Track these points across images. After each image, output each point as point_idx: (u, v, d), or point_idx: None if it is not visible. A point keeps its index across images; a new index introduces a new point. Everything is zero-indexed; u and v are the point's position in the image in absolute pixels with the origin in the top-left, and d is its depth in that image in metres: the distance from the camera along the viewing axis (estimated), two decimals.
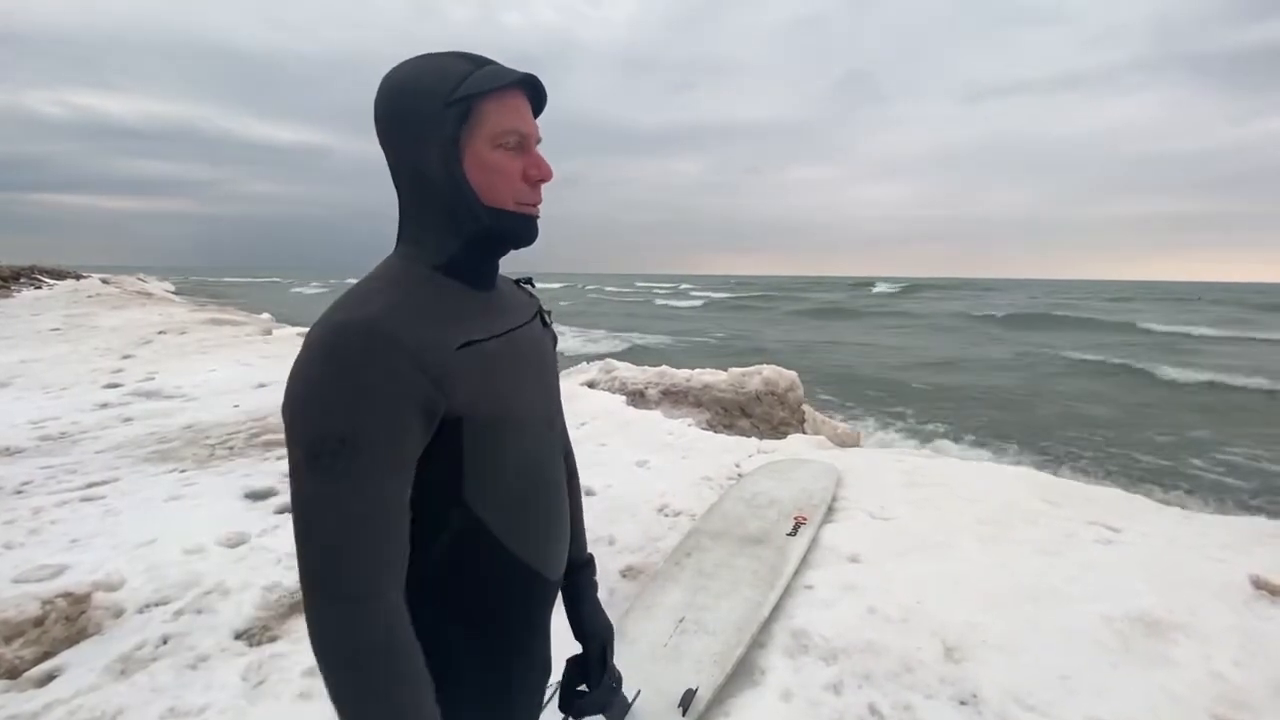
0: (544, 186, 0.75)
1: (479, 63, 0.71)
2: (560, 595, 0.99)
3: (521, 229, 0.75)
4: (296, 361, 0.62)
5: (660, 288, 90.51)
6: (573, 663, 0.97)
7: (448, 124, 0.68)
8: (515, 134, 0.71)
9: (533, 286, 0.93)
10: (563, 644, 0.96)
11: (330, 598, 0.59)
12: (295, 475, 0.60)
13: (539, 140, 0.75)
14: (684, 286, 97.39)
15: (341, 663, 0.58)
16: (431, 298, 0.70)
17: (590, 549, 1.06)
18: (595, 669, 0.96)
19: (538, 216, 0.76)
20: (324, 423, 0.59)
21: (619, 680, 1.00)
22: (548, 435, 0.83)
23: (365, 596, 0.59)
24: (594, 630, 0.98)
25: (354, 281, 0.73)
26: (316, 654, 0.59)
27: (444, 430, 0.67)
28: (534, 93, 0.74)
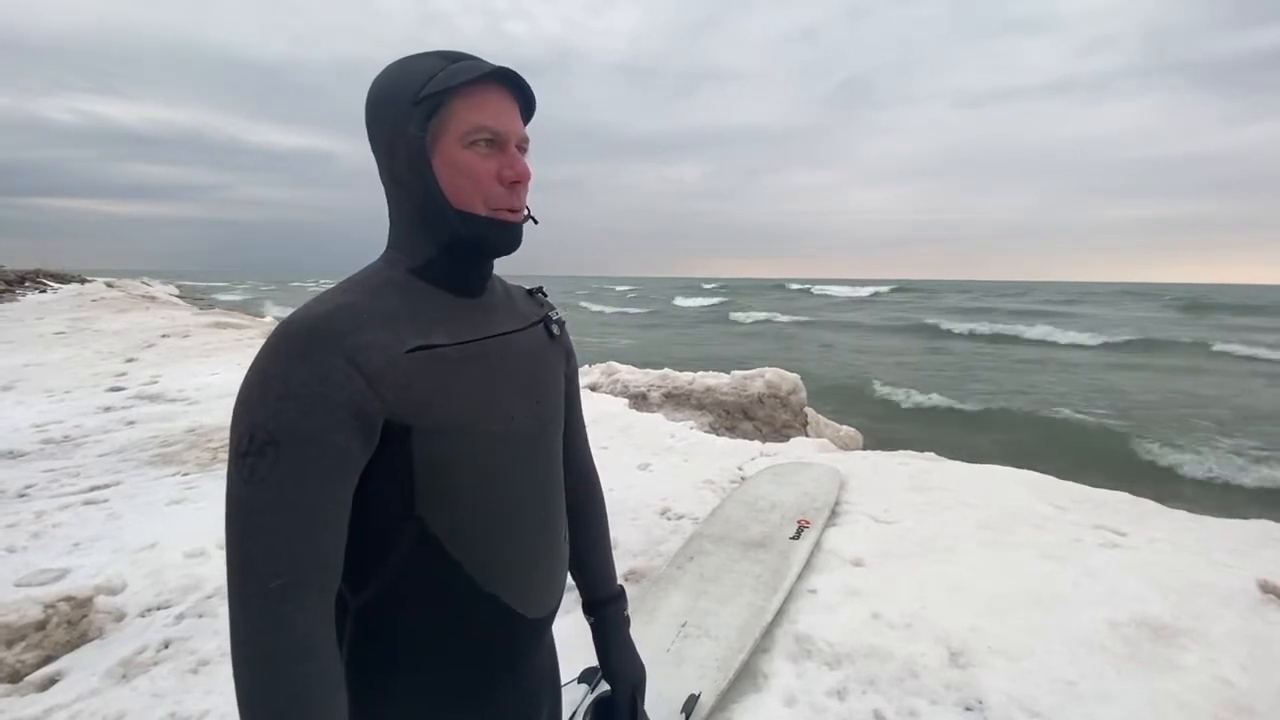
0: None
1: (454, 59, 0.67)
2: (590, 632, 0.94)
3: (495, 236, 0.70)
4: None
5: (607, 290, 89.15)
6: (598, 706, 0.92)
7: (414, 124, 0.66)
8: (487, 131, 0.66)
9: (544, 295, 0.88)
10: (565, 654, 0.95)
11: (243, 601, 0.57)
12: (227, 473, 0.59)
13: (525, 141, 0.70)
14: (622, 288, 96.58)
15: (243, 668, 0.55)
16: (398, 301, 0.67)
17: None
18: (622, 716, 0.90)
19: (517, 222, 0.71)
20: (252, 421, 0.57)
21: None
22: (532, 454, 0.76)
23: (277, 607, 0.56)
24: (623, 673, 0.92)
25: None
26: (231, 652, 0.57)
27: (391, 439, 0.63)
28: (520, 93, 0.70)
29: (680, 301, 59.97)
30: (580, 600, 0.97)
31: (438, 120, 0.66)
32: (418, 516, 0.66)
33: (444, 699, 0.71)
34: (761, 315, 38.37)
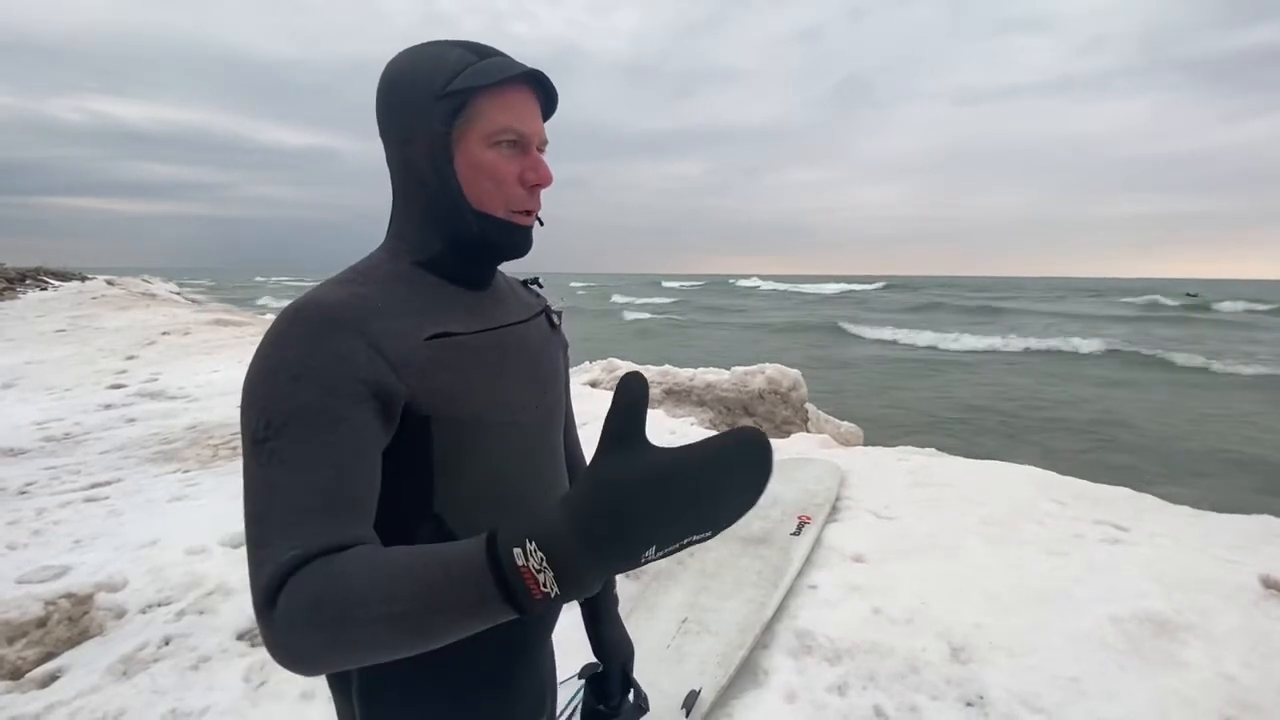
0: (548, 190, 0.70)
1: (482, 54, 0.65)
2: (580, 611, 0.96)
3: (509, 241, 0.69)
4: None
5: (561, 286, 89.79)
6: (593, 682, 0.94)
7: (438, 118, 0.63)
8: (513, 133, 0.65)
9: (540, 287, 0.88)
10: (566, 651, 0.95)
11: (273, 563, 0.48)
12: (244, 460, 0.54)
13: (544, 143, 0.69)
14: (575, 284, 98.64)
15: (292, 627, 0.46)
16: (408, 291, 0.65)
17: None
18: (615, 691, 0.93)
19: (529, 226, 0.70)
20: (266, 405, 0.54)
21: (644, 700, 0.96)
22: (540, 445, 0.75)
23: (307, 557, 0.48)
24: (613, 650, 0.94)
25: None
26: (273, 641, 0.47)
27: (410, 430, 0.61)
28: (543, 93, 0.69)
29: (614, 298, 59.25)
30: None
31: (463, 117, 0.64)
32: (435, 514, 0.65)
33: (463, 690, 0.71)
34: (642, 315, 38.62)
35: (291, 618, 0.46)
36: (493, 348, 0.69)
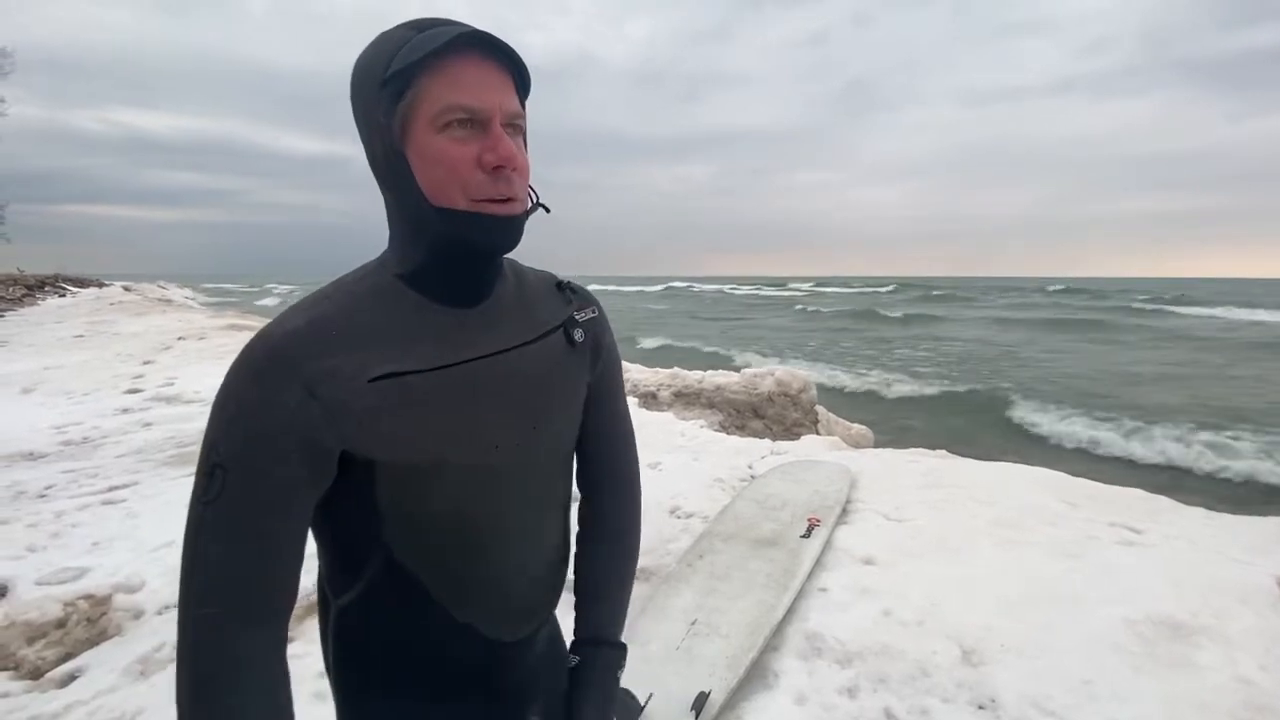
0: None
1: (422, 27, 0.56)
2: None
3: (481, 233, 0.59)
4: None
5: None
6: None
7: (382, 109, 0.57)
8: (461, 110, 0.55)
9: (573, 291, 0.76)
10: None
11: (181, 623, 0.56)
12: (194, 482, 0.57)
13: (516, 117, 0.59)
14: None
15: (179, 688, 0.55)
16: (379, 313, 0.60)
17: None
18: None
19: (509, 214, 0.59)
20: (211, 440, 0.55)
21: None
22: (519, 481, 0.68)
23: (211, 634, 0.55)
24: None
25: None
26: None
27: (355, 471, 0.59)
28: (507, 60, 0.58)
29: None
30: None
31: (406, 102, 0.56)
32: (384, 543, 0.63)
33: (420, 702, 0.71)
34: None
35: (181, 690, 0.55)
36: (458, 384, 0.62)
